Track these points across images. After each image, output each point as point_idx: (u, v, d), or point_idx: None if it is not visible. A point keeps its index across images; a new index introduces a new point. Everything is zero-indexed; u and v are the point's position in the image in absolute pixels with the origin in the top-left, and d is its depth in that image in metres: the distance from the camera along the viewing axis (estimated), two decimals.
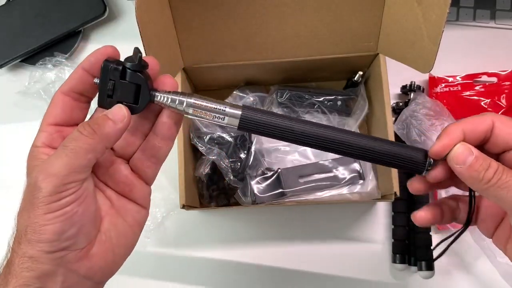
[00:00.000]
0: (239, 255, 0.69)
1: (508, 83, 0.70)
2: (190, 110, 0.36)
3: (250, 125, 0.37)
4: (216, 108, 0.36)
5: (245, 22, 0.57)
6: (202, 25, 0.57)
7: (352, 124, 0.65)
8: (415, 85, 0.69)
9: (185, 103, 0.36)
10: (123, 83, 0.35)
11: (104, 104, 0.36)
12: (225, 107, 0.36)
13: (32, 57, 0.75)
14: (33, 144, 0.37)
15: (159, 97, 0.36)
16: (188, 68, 0.62)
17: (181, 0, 0.54)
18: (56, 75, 0.73)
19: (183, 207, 0.57)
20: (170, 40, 0.56)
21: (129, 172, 0.39)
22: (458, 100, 0.70)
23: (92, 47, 0.77)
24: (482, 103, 0.70)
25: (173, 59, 0.58)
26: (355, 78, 0.66)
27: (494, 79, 0.71)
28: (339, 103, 0.66)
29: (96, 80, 0.36)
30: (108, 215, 0.38)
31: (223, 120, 0.36)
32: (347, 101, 0.67)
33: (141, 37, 0.45)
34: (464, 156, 0.35)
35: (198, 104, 0.36)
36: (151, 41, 0.47)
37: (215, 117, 0.36)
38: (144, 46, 0.45)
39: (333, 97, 0.66)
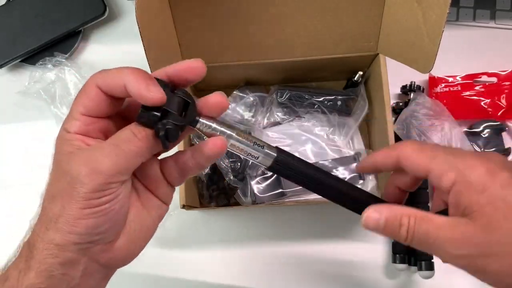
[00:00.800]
0: (239, 255, 0.69)
1: (508, 83, 0.70)
2: (228, 143, 0.36)
3: (281, 168, 0.38)
4: (255, 146, 0.37)
5: (245, 22, 0.57)
6: (202, 25, 0.57)
7: (352, 124, 0.65)
8: (415, 85, 0.69)
9: (226, 136, 0.36)
10: (173, 95, 0.34)
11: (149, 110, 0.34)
12: (263, 148, 0.37)
13: (32, 57, 0.75)
14: (65, 128, 0.35)
15: (200, 124, 0.35)
16: None
17: (181, 0, 0.54)
18: (56, 75, 0.73)
19: (183, 207, 0.57)
20: (170, 40, 0.56)
21: (158, 170, 0.38)
22: (458, 100, 0.70)
23: (92, 47, 0.77)
24: (482, 103, 0.70)
25: (173, 59, 0.58)
26: (355, 78, 0.66)
27: (494, 79, 0.71)
28: (339, 103, 0.66)
29: None
30: (134, 206, 0.37)
31: (257, 159, 0.37)
32: (347, 101, 0.67)
33: (141, 37, 0.45)
34: (374, 221, 0.36)
35: (239, 139, 0.36)
36: (151, 41, 0.47)
37: (250, 155, 0.37)
38: (144, 46, 0.46)
39: (333, 97, 0.66)
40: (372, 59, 0.63)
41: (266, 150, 0.37)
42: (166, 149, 0.35)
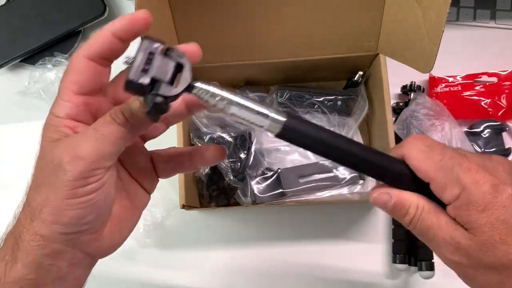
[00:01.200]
0: (239, 255, 0.69)
1: (508, 83, 0.70)
2: (231, 109, 0.32)
3: (292, 135, 0.34)
4: (259, 111, 0.32)
5: (245, 22, 0.57)
6: (202, 25, 0.57)
7: (352, 124, 0.65)
8: (415, 85, 0.69)
9: (226, 101, 0.32)
10: (164, 59, 0.31)
11: (135, 79, 0.30)
12: (269, 112, 0.32)
13: (32, 57, 0.75)
14: (53, 112, 0.33)
15: (197, 89, 0.31)
16: None
17: (181, 0, 0.54)
18: (56, 75, 0.73)
19: (183, 207, 0.57)
20: (170, 40, 0.56)
21: (149, 161, 0.38)
22: (458, 100, 0.70)
23: None
24: (482, 103, 0.70)
25: None
26: (355, 78, 0.66)
27: (495, 79, 0.71)
28: (339, 103, 0.66)
29: (127, 59, 0.32)
30: (119, 196, 0.36)
31: (262, 126, 0.33)
32: (347, 101, 0.67)
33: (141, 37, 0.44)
34: (382, 202, 0.36)
35: (241, 103, 0.32)
36: None
37: (253, 124, 0.33)
38: None
39: (333, 97, 0.66)
40: (372, 59, 0.63)
41: (273, 116, 0.32)
42: (156, 122, 0.32)
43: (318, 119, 0.66)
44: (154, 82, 0.30)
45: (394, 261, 0.66)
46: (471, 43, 0.74)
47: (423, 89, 0.70)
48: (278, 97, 0.65)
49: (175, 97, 0.31)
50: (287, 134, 0.33)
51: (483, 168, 0.33)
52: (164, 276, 0.68)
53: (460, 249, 0.33)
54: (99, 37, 0.32)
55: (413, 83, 0.69)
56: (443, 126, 0.66)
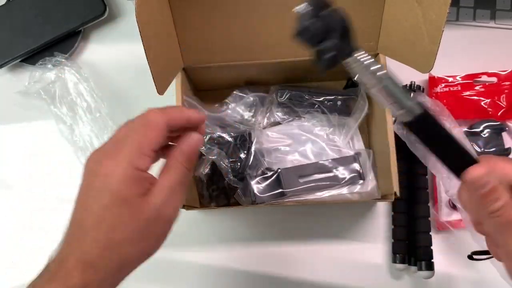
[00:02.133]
0: (239, 255, 0.69)
1: (508, 83, 0.70)
2: (380, 84, 0.33)
3: (422, 128, 0.36)
4: (402, 94, 0.34)
5: (245, 22, 0.57)
6: (202, 25, 0.57)
7: (352, 124, 0.65)
8: (415, 85, 0.69)
9: (377, 77, 0.33)
10: (332, 18, 0.33)
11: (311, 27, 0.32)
12: (409, 100, 0.35)
13: (32, 57, 0.75)
14: (135, 166, 0.37)
15: (358, 54, 0.33)
16: (188, 68, 0.62)
17: (181, 0, 0.54)
18: (56, 75, 0.73)
19: (183, 207, 0.57)
20: (170, 40, 0.56)
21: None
22: (458, 100, 0.70)
23: (92, 47, 0.77)
24: (482, 103, 0.70)
25: (173, 59, 0.58)
26: (355, 78, 0.66)
27: (494, 79, 0.71)
28: (339, 103, 0.66)
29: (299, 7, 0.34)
30: None
31: (398, 110, 0.35)
32: (347, 101, 0.67)
33: (141, 37, 0.45)
34: (482, 183, 0.36)
35: (390, 82, 0.34)
36: (151, 41, 0.47)
37: (394, 104, 0.35)
38: (144, 46, 0.45)
39: (333, 97, 0.66)
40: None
41: (411, 103, 0.35)
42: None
43: (318, 119, 0.66)
44: (324, 36, 0.33)
45: (394, 261, 0.66)
46: (471, 43, 0.74)
47: (423, 89, 0.70)
48: (278, 97, 0.65)
49: (346, 55, 0.33)
50: (417, 125, 0.36)
51: None
52: (164, 276, 0.68)
53: None
54: (180, 113, 0.41)
55: (413, 83, 0.69)
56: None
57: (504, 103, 0.70)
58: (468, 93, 0.71)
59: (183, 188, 0.39)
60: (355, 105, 0.66)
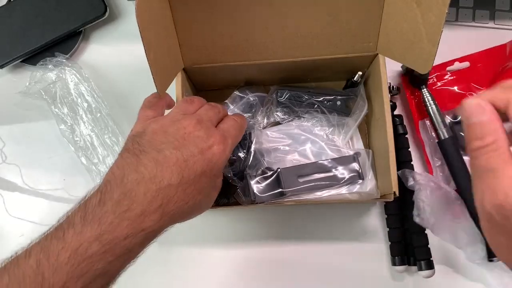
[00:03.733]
0: (239, 254, 0.69)
1: (481, 64, 0.71)
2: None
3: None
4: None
5: (245, 22, 0.57)
6: (202, 25, 0.57)
7: (352, 124, 0.66)
8: (394, 88, 0.70)
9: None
10: None
11: None
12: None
13: (32, 57, 0.75)
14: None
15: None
16: (188, 68, 0.62)
17: (182, 0, 0.54)
18: (56, 75, 0.73)
19: None
20: (170, 40, 0.56)
21: None
22: (436, 92, 0.70)
23: (93, 48, 0.77)
24: (459, 90, 0.70)
25: (174, 59, 0.58)
26: (355, 79, 0.66)
27: (467, 64, 0.71)
28: (338, 103, 0.66)
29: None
30: None
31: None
32: (347, 101, 0.67)
33: (141, 37, 0.45)
34: (472, 113, 0.33)
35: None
36: (151, 41, 0.47)
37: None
38: (144, 46, 0.46)
39: (332, 97, 0.66)
40: (371, 59, 0.63)
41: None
42: None
43: (318, 119, 0.66)
44: None
45: (394, 264, 0.65)
46: (470, 43, 0.74)
47: (398, 88, 0.71)
48: (277, 97, 0.65)
49: None
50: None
51: None
52: (163, 276, 0.69)
53: None
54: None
55: (390, 84, 0.70)
56: None
57: (482, 84, 0.70)
58: (443, 82, 0.71)
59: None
60: (355, 105, 0.66)
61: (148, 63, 0.47)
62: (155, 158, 0.43)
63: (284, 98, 0.65)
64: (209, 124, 0.48)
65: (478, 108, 0.33)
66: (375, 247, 0.68)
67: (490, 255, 0.60)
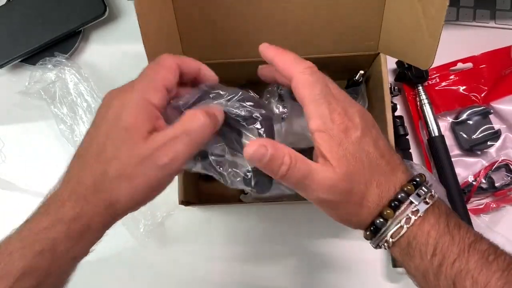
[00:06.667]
0: (239, 253, 0.69)
1: (484, 65, 0.71)
2: None
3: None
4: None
5: (247, 19, 0.57)
6: (204, 22, 0.57)
7: None
8: (395, 89, 0.70)
9: None
10: None
11: None
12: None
13: (32, 57, 0.75)
14: (147, 98, 0.37)
15: None
16: None
17: None
18: (56, 75, 0.73)
19: (182, 203, 0.57)
20: (172, 37, 0.56)
21: None
22: (438, 92, 0.71)
23: (93, 47, 0.77)
24: (462, 91, 0.71)
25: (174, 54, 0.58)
26: (356, 77, 0.66)
27: (470, 65, 0.71)
28: None
29: None
30: None
31: None
32: None
33: (141, 32, 0.44)
34: (259, 155, 0.37)
35: None
36: (150, 37, 0.47)
37: None
38: (143, 41, 0.45)
39: None
40: (373, 58, 0.63)
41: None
42: None
43: None
44: None
45: (394, 266, 0.65)
46: (471, 43, 0.74)
47: (399, 89, 0.71)
48: (279, 89, 0.65)
49: None
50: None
51: (344, 112, 0.39)
52: (164, 276, 0.68)
53: (332, 187, 0.37)
54: (193, 60, 0.43)
55: (392, 85, 0.70)
56: None
57: (485, 85, 0.70)
58: (445, 83, 0.71)
59: (190, 141, 0.37)
60: None
61: (146, 53, 0.47)
62: None
63: (285, 90, 0.64)
64: None
65: (261, 148, 0.37)
66: None
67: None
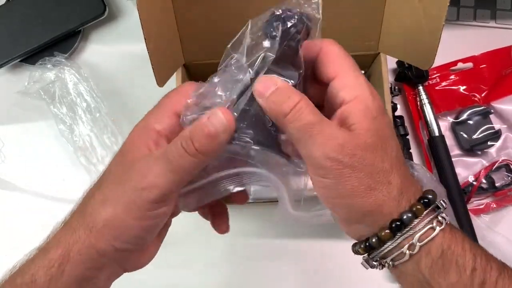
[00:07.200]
0: (239, 253, 0.68)
1: (485, 65, 0.71)
2: None
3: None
4: None
5: (247, 19, 0.57)
6: (204, 21, 0.57)
7: None
8: (396, 89, 0.70)
9: None
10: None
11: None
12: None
13: (31, 57, 0.74)
14: (149, 124, 0.36)
15: None
16: (189, 64, 0.61)
17: None
18: (55, 75, 0.73)
19: None
20: (171, 36, 0.56)
21: None
22: (439, 92, 0.71)
23: (92, 47, 0.77)
24: (462, 90, 0.70)
25: (174, 54, 0.58)
26: None
27: (470, 64, 0.71)
28: None
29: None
30: None
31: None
32: None
33: (143, 30, 0.44)
34: (264, 87, 0.34)
35: None
36: (151, 36, 0.47)
37: None
38: (145, 39, 0.45)
39: None
40: (373, 58, 0.63)
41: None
42: None
43: None
44: None
45: None
46: (471, 43, 0.74)
47: (399, 89, 0.71)
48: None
49: None
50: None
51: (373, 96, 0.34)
52: (164, 275, 0.68)
53: (343, 146, 0.32)
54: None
55: (392, 85, 0.70)
56: None
57: (485, 85, 0.70)
58: (446, 83, 0.71)
59: (174, 174, 0.33)
60: None
61: (148, 52, 0.47)
62: None
63: None
64: None
65: (269, 80, 0.34)
66: None
67: None
